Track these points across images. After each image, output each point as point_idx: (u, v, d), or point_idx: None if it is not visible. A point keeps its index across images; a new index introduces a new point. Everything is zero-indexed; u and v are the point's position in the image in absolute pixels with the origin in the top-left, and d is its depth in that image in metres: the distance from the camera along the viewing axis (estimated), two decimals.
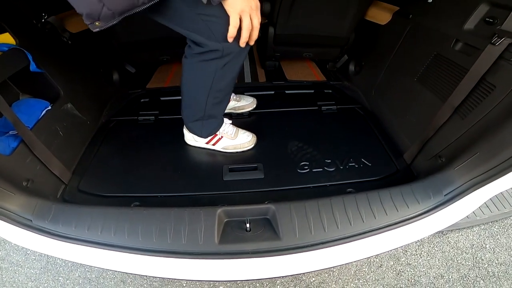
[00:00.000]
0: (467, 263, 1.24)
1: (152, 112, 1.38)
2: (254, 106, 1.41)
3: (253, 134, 1.21)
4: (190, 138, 1.18)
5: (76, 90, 1.23)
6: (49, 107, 1.05)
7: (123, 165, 1.11)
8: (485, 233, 1.34)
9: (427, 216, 0.79)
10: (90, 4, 0.66)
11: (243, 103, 1.39)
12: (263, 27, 1.65)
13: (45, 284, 1.19)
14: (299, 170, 1.08)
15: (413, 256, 1.26)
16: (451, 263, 1.24)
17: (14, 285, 1.20)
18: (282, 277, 1.17)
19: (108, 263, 0.75)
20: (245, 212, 0.78)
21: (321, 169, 1.08)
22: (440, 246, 1.29)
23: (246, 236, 0.75)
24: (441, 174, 0.85)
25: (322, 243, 0.74)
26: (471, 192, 0.79)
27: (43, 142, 0.95)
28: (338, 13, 1.45)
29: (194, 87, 0.99)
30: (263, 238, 0.74)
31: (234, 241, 0.74)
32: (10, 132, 0.93)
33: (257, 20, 0.78)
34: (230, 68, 0.93)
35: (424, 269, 1.22)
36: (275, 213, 0.76)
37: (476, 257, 1.26)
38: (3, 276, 1.23)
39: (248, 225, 0.75)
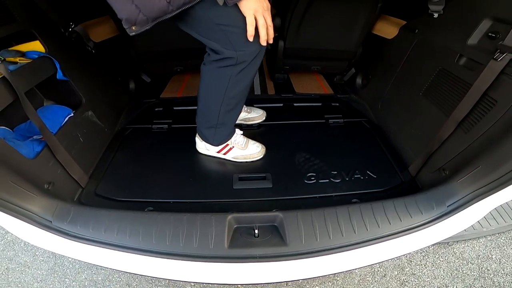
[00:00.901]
0: (472, 273, 1.24)
1: (166, 121, 1.44)
2: (264, 118, 1.45)
3: (263, 145, 1.25)
4: (202, 147, 1.22)
5: (96, 98, 1.29)
6: (72, 114, 1.11)
7: (138, 172, 1.16)
8: (492, 244, 1.34)
9: (429, 226, 0.81)
10: (129, 11, 0.76)
11: (253, 115, 1.43)
12: (273, 41, 1.70)
13: (51, 286, 1.21)
14: (306, 181, 1.11)
15: (418, 266, 1.26)
16: (456, 274, 1.24)
17: (20, 285, 1.22)
18: (287, 283, 1.19)
19: (122, 265, 0.79)
20: (254, 219, 0.82)
21: (327, 180, 1.11)
22: (445, 256, 1.29)
23: (254, 241, 0.78)
24: (444, 186, 0.87)
25: (327, 249, 0.77)
26: (473, 204, 0.82)
27: (65, 147, 1.00)
28: (346, 28, 1.49)
29: (210, 92, 1.04)
30: (271, 243, 0.78)
31: (243, 245, 0.77)
32: (34, 137, 0.99)
33: (270, 19, 0.83)
34: (244, 75, 0.97)
35: (428, 279, 1.22)
36: (282, 221, 0.79)
37: (481, 268, 1.26)
38: (9, 276, 1.25)
39: (256, 231, 0.79)
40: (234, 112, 1.12)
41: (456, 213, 0.83)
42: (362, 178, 1.12)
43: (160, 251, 0.76)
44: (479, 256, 1.29)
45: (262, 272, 0.77)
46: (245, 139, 1.23)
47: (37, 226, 0.78)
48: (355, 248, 0.77)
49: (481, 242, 1.34)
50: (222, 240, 0.77)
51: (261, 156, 1.22)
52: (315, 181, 1.11)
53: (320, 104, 1.64)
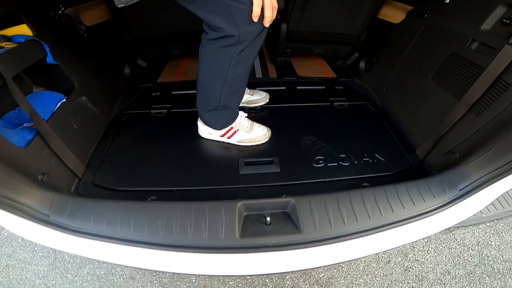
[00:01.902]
0: (473, 259, 1.25)
1: (164, 105, 1.37)
2: (267, 100, 1.40)
3: (268, 128, 1.20)
4: (205, 131, 1.16)
5: (90, 83, 1.21)
6: (64, 100, 1.03)
7: (137, 159, 1.10)
8: (491, 230, 1.35)
9: (442, 210, 0.79)
10: None
11: (256, 97, 1.38)
12: (275, 23, 1.64)
13: (53, 282, 1.17)
14: (314, 165, 1.07)
15: (421, 252, 1.27)
16: (458, 260, 1.25)
17: (22, 282, 1.17)
18: (292, 272, 1.17)
19: (128, 260, 0.73)
20: (265, 206, 0.77)
21: (336, 164, 1.07)
22: (447, 242, 1.30)
23: (266, 229, 0.74)
24: (456, 169, 0.85)
25: (343, 235, 0.73)
26: (485, 187, 0.80)
27: (58, 135, 0.92)
28: (351, 12, 1.44)
29: (210, 74, 0.98)
30: (284, 231, 0.74)
31: (255, 234, 0.73)
32: (25, 125, 0.91)
33: (275, 1, 0.80)
34: (246, 55, 0.92)
35: (431, 265, 1.23)
36: (294, 206, 0.76)
37: (482, 254, 1.27)
38: (10, 273, 1.20)
39: (268, 218, 0.74)
40: (237, 94, 1.07)
41: (468, 196, 0.81)
42: (370, 161, 1.09)
43: (167, 243, 0.71)
44: (479, 242, 1.31)
45: (275, 261, 0.72)
46: (250, 121, 1.18)
47: (33, 221, 0.72)
48: (370, 234, 0.74)
49: (480, 228, 1.36)
50: (233, 229, 0.72)
51: (267, 139, 1.18)
52: (323, 164, 1.07)
53: (323, 87, 1.60)
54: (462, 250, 1.28)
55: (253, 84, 1.43)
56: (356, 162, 1.08)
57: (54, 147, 0.89)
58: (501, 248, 1.29)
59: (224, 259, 0.72)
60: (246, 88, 1.33)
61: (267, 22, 0.82)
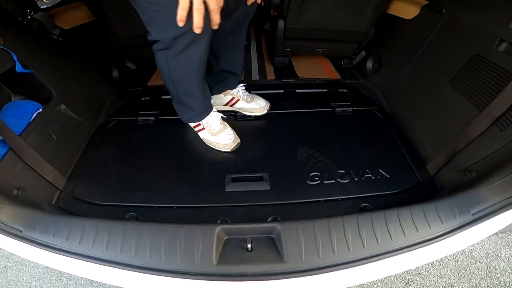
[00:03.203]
0: (480, 272, 1.21)
1: (152, 112, 1.35)
2: (265, 112, 1.32)
3: (237, 138, 1.18)
4: None
5: (70, 89, 1.20)
6: (40, 110, 1.03)
7: (120, 171, 1.09)
8: (502, 242, 1.30)
9: (449, 237, 0.73)
10: None
11: (253, 106, 1.32)
12: (272, 20, 1.59)
13: (49, 284, 1.21)
14: (309, 182, 1.02)
15: (425, 265, 1.23)
16: (463, 273, 1.21)
17: (19, 283, 1.23)
18: None
19: (100, 277, 0.73)
20: (247, 231, 0.73)
21: (334, 181, 1.02)
22: (453, 255, 1.26)
23: (247, 256, 0.70)
24: (471, 191, 0.78)
25: (330, 266, 0.69)
26: (502, 212, 0.73)
27: (34, 147, 0.93)
28: (357, 6, 1.37)
29: (162, 75, 1.04)
30: (266, 259, 0.70)
31: (234, 262, 0.70)
32: None
33: (213, 2, 0.73)
34: (185, 60, 0.92)
35: (434, 278, 1.19)
36: (280, 233, 0.71)
37: (489, 267, 1.23)
38: (8, 274, 1.25)
39: (249, 245, 0.71)
40: (193, 97, 1.09)
41: (482, 222, 0.74)
42: (373, 178, 1.03)
43: (140, 265, 0.70)
44: (488, 254, 1.27)
45: None
46: (222, 125, 1.18)
47: (7, 236, 0.73)
48: (361, 264, 0.70)
49: (491, 240, 1.31)
50: (210, 254, 0.69)
51: (228, 150, 1.15)
52: (319, 182, 1.02)
53: (325, 90, 1.53)
54: (469, 263, 1.24)
55: (249, 88, 1.38)
56: (356, 179, 1.03)
57: (29, 161, 0.90)
58: (511, 261, 1.25)
59: (198, 286, 0.69)
60: (246, 92, 1.31)
61: (195, 28, 0.76)
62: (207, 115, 1.16)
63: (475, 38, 1.02)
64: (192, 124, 1.21)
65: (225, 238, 0.74)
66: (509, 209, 0.73)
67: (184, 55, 0.89)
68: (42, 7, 0.74)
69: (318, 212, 0.94)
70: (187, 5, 0.72)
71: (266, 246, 0.72)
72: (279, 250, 0.71)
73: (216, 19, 0.77)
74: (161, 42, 0.86)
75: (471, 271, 1.22)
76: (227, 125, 1.20)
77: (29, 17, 1.12)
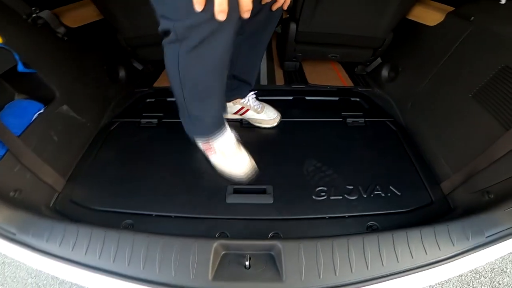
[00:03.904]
0: (483, 287, 1.23)
1: (156, 114, 1.37)
2: (275, 124, 1.30)
3: (253, 162, 1.08)
4: None
5: (74, 90, 1.23)
6: (42, 110, 1.05)
7: (119, 175, 1.10)
8: (509, 256, 1.31)
9: (459, 258, 0.72)
10: None
11: (263, 117, 1.29)
12: (283, 23, 1.59)
13: (44, 282, 1.25)
14: (314, 197, 1.01)
15: None
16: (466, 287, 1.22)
17: (15, 280, 1.27)
18: None
19: (92, 285, 0.74)
20: (246, 247, 0.73)
21: (341, 197, 1.01)
22: None
23: (244, 273, 0.70)
24: (487, 214, 0.76)
25: (331, 287, 0.68)
26: None
27: (34, 149, 0.95)
28: (375, 10, 1.35)
29: (169, 75, 0.89)
30: (263, 278, 0.69)
31: (230, 278, 0.70)
32: None
33: None
34: (200, 57, 0.76)
35: None
36: (280, 251, 0.71)
37: (493, 281, 1.24)
38: (5, 270, 1.30)
39: (247, 262, 0.71)
40: (206, 105, 0.93)
41: (495, 244, 0.72)
42: (383, 195, 1.02)
43: (133, 275, 0.70)
44: (493, 269, 1.28)
45: None
46: (236, 148, 1.07)
47: (1, 238, 0.75)
48: (362, 286, 0.69)
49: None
50: (206, 270, 0.69)
51: (244, 177, 1.06)
52: (325, 197, 1.01)
53: (337, 98, 1.52)
54: (473, 278, 1.25)
55: (256, 93, 1.38)
56: (365, 196, 1.01)
57: (27, 163, 0.92)
58: None
59: None
60: (256, 102, 1.28)
61: (217, 13, 0.61)
62: (220, 134, 1.02)
63: (506, 49, 0.99)
64: (201, 144, 1.08)
65: (223, 253, 0.74)
66: None
67: (200, 51, 0.73)
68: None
69: (322, 229, 0.93)
70: None
71: (265, 264, 0.72)
72: (278, 268, 0.70)
73: (247, 2, 0.62)
74: (173, 32, 0.71)
75: (474, 285, 1.23)
76: (243, 149, 1.10)
77: (34, 15, 1.13)
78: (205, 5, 0.60)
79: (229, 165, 1.06)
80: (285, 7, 0.91)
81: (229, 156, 1.05)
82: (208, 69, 0.81)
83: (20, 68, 1.00)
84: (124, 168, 1.13)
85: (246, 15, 0.65)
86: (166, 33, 0.74)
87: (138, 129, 1.32)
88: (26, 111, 1.02)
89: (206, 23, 0.65)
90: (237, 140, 1.09)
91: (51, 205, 1.01)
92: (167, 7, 0.69)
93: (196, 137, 1.06)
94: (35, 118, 1.02)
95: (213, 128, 1.01)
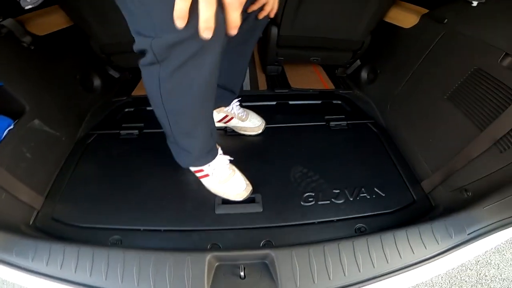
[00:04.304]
0: (470, 279, 1.30)
1: (136, 125, 1.35)
2: (260, 131, 1.33)
3: (249, 185, 1.07)
4: None
5: (45, 102, 1.19)
6: (12, 126, 1.01)
7: (102, 190, 1.09)
8: (492, 249, 1.38)
9: (444, 256, 0.77)
10: None
11: (248, 125, 1.30)
12: (264, 28, 1.61)
13: None
14: (302, 203, 1.05)
15: None
16: (454, 281, 1.30)
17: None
18: None
19: None
20: (239, 258, 0.75)
21: (328, 202, 1.05)
22: None
23: (240, 283, 0.72)
24: (467, 211, 0.82)
25: None
26: (498, 231, 0.78)
27: (6, 167, 0.92)
28: (353, 13, 1.39)
29: (152, 103, 0.81)
30: (259, 287, 0.72)
31: None
32: None
33: None
34: (184, 81, 0.68)
35: (426, 287, 1.27)
36: (274, 260, 0.73)
37: (480, 274, 1.32)
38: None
39: (242, 272, 0.73)
40: (194, 140, 0.90)
41: (477, 240, 0.78)
42: (368, 197, 1.07)
43: None
44: (478, 262, 1.36)
45: None
46: (230, 170, 1.06)
47: None
48: (357, 287, 0.73)
49: None
50: (201, 283, 0.71)
51: (240, 199, 1.05)
52: (313, 202, 1.05)
53: (319, 101, 1.57)
54: (459, 271, 1.33)
55: (241, 99, 1.39)
56: (352, 199, 1.06)
57: (1, 182, 0.89)
58: (501, 267, 1.34)
59: None
60: (240, 109, 1.30)
61: (203, 30, 0.53)
62: (212, 159, 1.01)
63: (478, 52, 1.02)
64: (192, 169, 1.07)
65: (217, 264, 0.75)
66: (505, 228, 0.78)
67: (184, 74, 0.66)
68: (26, 7, 0.65)
69: (312, 234, 0.96)
70: None
71: (259, 273, 0.74)
72: (273, 276, 0.73)
73: (235, 18, 0.56)
74: (150, 52, 0.62)
75: (462, 278, 1.31)
76: (236, 170, 1.09)
77: None
78: (188, 21, 0.53)
79: (224, 188, 1.05)
80: (272, 15, 0.88)
81: (224, 180, 1.04)
82: (194, 95, 0.74)
83: None
84: (106, 183, 1.12)
85: (233, 31, 0.59)
86: (143, 52, 0.66)
87: (117, 141, 1.30)
88: None
89: (189, 41, 0.58)
90: (229, 161, 1.09)
91: (31, 223, 0.98)
92: (142, 22, 0.60)
93: (187, 166, 1.06)
94: (5, 135, 0.98)
95: (206, 158, 1.00)
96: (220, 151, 1.06)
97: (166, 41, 0.59)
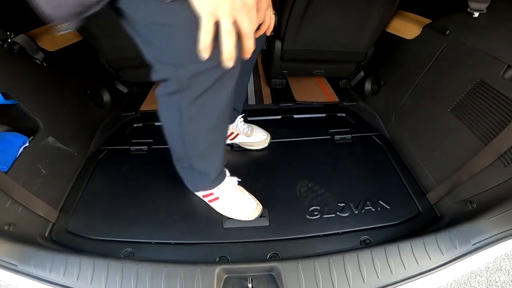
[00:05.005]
0: (480, 286, 1.31)
1: (145, 140, 1.42)
2: (265, 145, 1.38)
3: (259, 205, 1.11)
4: None
5: (58, 119, 1.25)
6: (27, 144, 1.07)
7: (113, 204, 1.15)
8: (502, 255, 1.39)
9: (449, 266, 0.81)
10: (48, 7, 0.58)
11: (253, 140, 1.35)
12: (268, 41, 1.66)
13: None
14: (308, 217, 1.09)
15: None
16: (464, 287, 1.30)
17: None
18: None
19: None
20: (247, 270, 0.80)
21: (334, 215, 1.09)
22: None
23: None
24: (472, 223, 0.86)
25: None
26: (502, 242, 0.81)
27: (23, 184, 0.99)
28: (356, 26, 1.44)
29: (167, 130, 0.87)
30: None
31: None
32: None
33: (247, 23, 0.57)
34: (204, 108, 0.73)
35: None
36: (280, 272, 0.78)
37: (490, 280, 1.33)
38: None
39: (250, 284, 0.78)
40: (211, 161, 0.94)
41: (481, 251, 0.82)
42: (373, 210, 1.11)
43: None
44: (488, 268, 1.37)
45: None
46: (239, 191, 1.10)
47: (3, 269, 0.80)
48: None
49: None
50: None
51: (252, 219, 1.08)
52: (319, 216, 1.09)
53: (324, 115, 1.63)
54: (469, 277, 1.33)
55: (245, 113, 1.44)
56: (357, 212, 1.10)
57: (18, 198, 0.96)
58: (511, 273, 1.35)
59: None
60: (245, 125, 1.34)
61: (226, 59, 0.59)
62: (222, 181, 1.05)
63: (480, 64, 1.04)
64: (201, 194, 1.11)
65: (225, 276, 0.80)
66: (510, 239, 0.81)
67: (205, 100, 0.70)
68: (61, 33, 0.70)
69: (318, 246, 1.01)
70: (211, 27, 0.55)
71: (266, 284, 0.79)
72: None
73: (250, 45, 0.61)
74: (173, 81, 0.67)
75: (472, 285, 1.31)
76: (244, 190, 1.13)
77: (9, 40, 1.09)
78: (211, 52, 0.59)
79: (235, 210, 1.08)
80: (268, 34, 0.89)
81: (235, 201, 1.08)
82: (213, 121, 0.79)
83: (1, 100, 1.01)
84: (118, 197, 1.18)
85: (248, 56, 0.65)
86: (164, 81, 0.71)
87: (128, 157, 1.36)
88: (11, 145, 1.04)
89: (213, 69, 0.64)
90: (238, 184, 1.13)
91: (46, 235, 1.04)
92: (164, 53, 0.65)
93: (198, 190, 1.10)
94: (21, 152, 1.04)
95: (218, 180, 1.04)
96: (227, 172, 1.10)
97: (191, 71, 0.64)
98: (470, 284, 1.31)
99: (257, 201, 1.11)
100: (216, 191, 1.07)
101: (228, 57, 0.59)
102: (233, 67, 0.63)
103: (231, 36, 0.56)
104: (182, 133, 0.82)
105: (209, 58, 0.59)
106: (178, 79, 0.66)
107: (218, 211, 1.11)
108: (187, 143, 0.85)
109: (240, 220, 1.08)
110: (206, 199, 1.12)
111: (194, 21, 0.55)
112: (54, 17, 0.59)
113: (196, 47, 0.58)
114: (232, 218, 1.09)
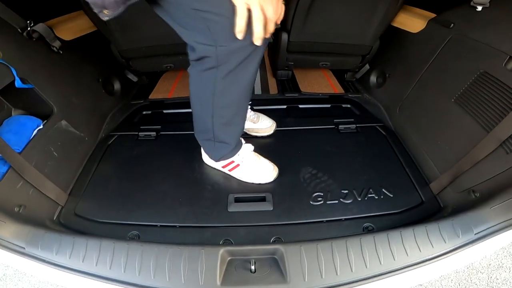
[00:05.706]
0: (481, 283, 1.28)
1: (154, 127, 1.41)
2: (272, 132, 1.38)
3: (274, 166, 1.17)
4: (207, 157, 1.19)
5: (71, 104, 1.26)
6: (41, 126, 1.08)
7: (121, 188, 1.14)
8: (504, 252, 1.37)
9: (452, 255, 0.78)
10: None
11: (259, 126, 1.36)
12: (275, 33, 1.64)
13: None
14: (312, 202, 1.07)
15: None
16: (465, 284, 1.28)
17: None
18: None
19: None
20: (250, 253, 0.78)
21: (337, 201, 1.07)
22: None
23: (250, 277, 0.75)
24: (475, 211, 0.83)
25: (332, 286, 0.74)
26: (504, 231, 0.78)
27: (35, 165, 0.98)
28: (362, 19, 1.42)
29: (197, 101, 0.97)
30: (269, 280, 0.74)
31: (238, 283, 0.74)
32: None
33: (271, 10, 0.69)
34: (235, 81, 0.85)
35: None
36: (283, 255, 0.76)
37: (491, 277, 1.30)
38: (7, 283, 1.31)
39: (253, 267, 0.76)
40: (233, 127, 1.03)
41: (484, 240, 0.79)
42: (376, 197, 1.08)
43: (144, 284, 0.74)
44: (489, 265, 1.34)
45: None
46: (256, 156, 1.16)
47: (10, 252, 0.78)
48: (363, 283, 0.75)
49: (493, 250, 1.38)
50: (214, 276, 0.74)
51: (271, 180, 1.15)
52: (322, 202, 1.07)
53: (329, 105, 1.60)
54: (470, 274, 1.31)
55: (251, 103, 1.44)
56: (359, 199, 1.08)
57: (30, 179, 0.95)
58: None
59: None
60: (251, 112, 1.34)
61: (256, 39, 0.72)
62: (240, 148, 1.13)
63: (483, 55, 1.05)
64: (220, 164, 1.16)
65: (229, 258, 0.78)
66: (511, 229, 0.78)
67: (237, 73, 0.82)
68: (104, 19, 0.74)
69: (321, 232, 0.98)
70: (245, 13, 0.68)
71: (269, 267, 0.77)
72: (282, 271, 0.75)
73: (272, 27, 0.73)
74: (212, 58, 0.78)
75: (473, 281, 1.29)
76: (259, 155, 1.19)
77: (29, 28, 1.13)
78: (244, 34, 0.71)
79: (255, 174, 1.14)
80: (278, 22, 0.95)
81: (253, 165, 1.14)
82: (241, 91, 0.90)
83: (18, 83, 1.01)
84: (126, 181, 1.17)
85: (268, 36, 0.76)
86: (201, 59, 0.81)
87: (136, 142, 1.36)
88: (25, 128, 1.04)
89: (247, 47, 0.76)
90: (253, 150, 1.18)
91: (54, 219, 1.04)
92: (203, 35, 0.75)
93: (221, 160, 1.13)
94: (35, 135, 1.04)
95: (237, 147, 1.11)
96: (243, 140, 1.16)
97: (229, 48, 0.76)
98: (471, 281, 1.28)
99: (273, 164, 1.18)
100: (236, 158, 1.12)
101: (258, 37, 0.72)
102: (260, 46, 0.76)
103: (261, 20, 0.69)
104: (213, 104, 0.91)
105: (244, 38, 0.72)
106: (217, 56, 0.77)
107: (239, 179, 1.16)
108: (216, 113, 0.94)
109: (244, 204, 1.07)
110: (226, 169, 1.16)
111: (231, 9, 0.68)
112: (98, 4, 0.68)
113: (233, 29, 0.70)
114: (236, 202, 1.08)
